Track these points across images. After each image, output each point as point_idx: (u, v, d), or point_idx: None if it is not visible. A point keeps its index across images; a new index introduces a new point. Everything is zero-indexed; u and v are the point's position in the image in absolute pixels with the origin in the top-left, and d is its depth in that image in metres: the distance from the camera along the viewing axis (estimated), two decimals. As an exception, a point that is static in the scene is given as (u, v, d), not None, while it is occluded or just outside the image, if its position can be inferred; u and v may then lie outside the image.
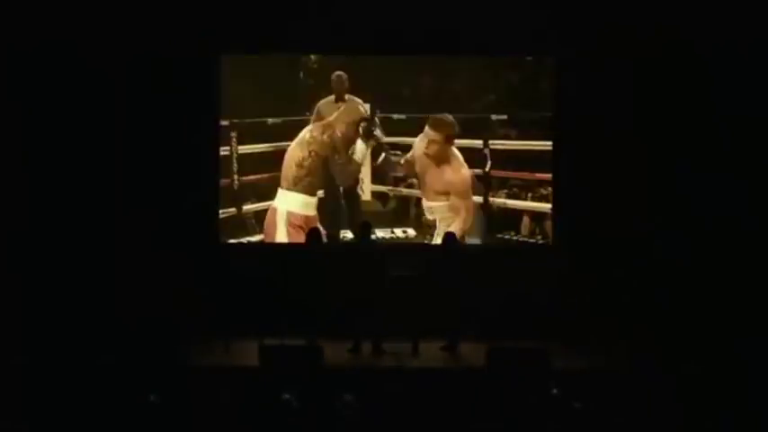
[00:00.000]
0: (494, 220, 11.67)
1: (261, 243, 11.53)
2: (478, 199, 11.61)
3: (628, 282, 10.80)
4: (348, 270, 10.18)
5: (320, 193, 11.60)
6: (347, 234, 11.62)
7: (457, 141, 11.44)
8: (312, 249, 10.45)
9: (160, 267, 10.58)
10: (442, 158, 11.43)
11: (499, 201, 11.65)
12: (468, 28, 11.19)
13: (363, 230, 10.54)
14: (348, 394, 6.91)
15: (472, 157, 11.54)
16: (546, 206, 11.60)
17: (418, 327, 10.23)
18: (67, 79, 10.99)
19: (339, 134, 11.58)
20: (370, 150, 11.62)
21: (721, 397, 7.84)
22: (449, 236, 10.80)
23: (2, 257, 10.53)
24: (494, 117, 11.67)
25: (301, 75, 11.73)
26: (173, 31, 11.04)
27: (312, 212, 11.51)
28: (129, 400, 7.06)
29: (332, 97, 11.57)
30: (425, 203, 11.60)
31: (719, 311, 10.46)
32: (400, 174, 11.76)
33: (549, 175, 11.60)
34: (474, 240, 11.55)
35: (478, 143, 11.57)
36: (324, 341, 9.34)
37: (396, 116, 11.59)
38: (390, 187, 11.82)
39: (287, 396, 6.88)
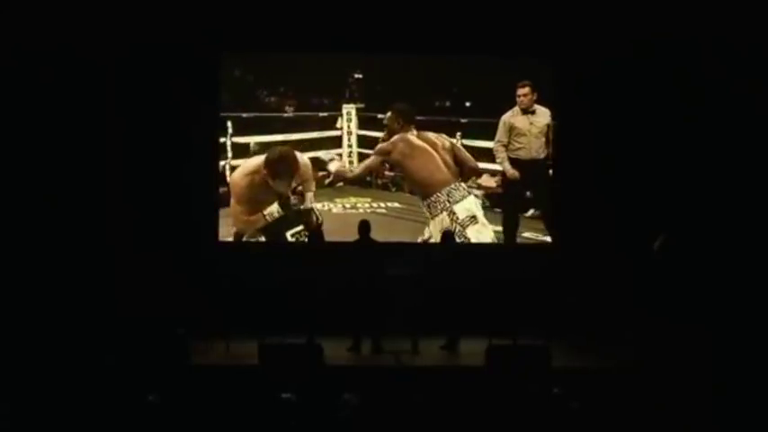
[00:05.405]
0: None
1: (261, 243, 11.54)
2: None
3: (628, 281, 10.78)
4: (348, 269, 10.18)
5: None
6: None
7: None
8: (312, 248, 10.45)
9: (160, 267, 10.58)
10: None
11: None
12: (467, 28, 11.22)
13: (362, 229, 10.54)
14: (348, 393, 6.91)
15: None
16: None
17: (418, 325, 10.24)
18: (67, 76, 10.99)
19: None
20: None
21: (721, 397, 7.83)
22: (447, 234, 10.79)
23: None
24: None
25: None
26: (173, 28, 11.04)
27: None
28: (129, 399, 7.06)
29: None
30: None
31: (720, 311, 10.44)
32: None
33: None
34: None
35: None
36: (324, 340, 9.33)
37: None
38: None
39: (287, 395, 6.87)
